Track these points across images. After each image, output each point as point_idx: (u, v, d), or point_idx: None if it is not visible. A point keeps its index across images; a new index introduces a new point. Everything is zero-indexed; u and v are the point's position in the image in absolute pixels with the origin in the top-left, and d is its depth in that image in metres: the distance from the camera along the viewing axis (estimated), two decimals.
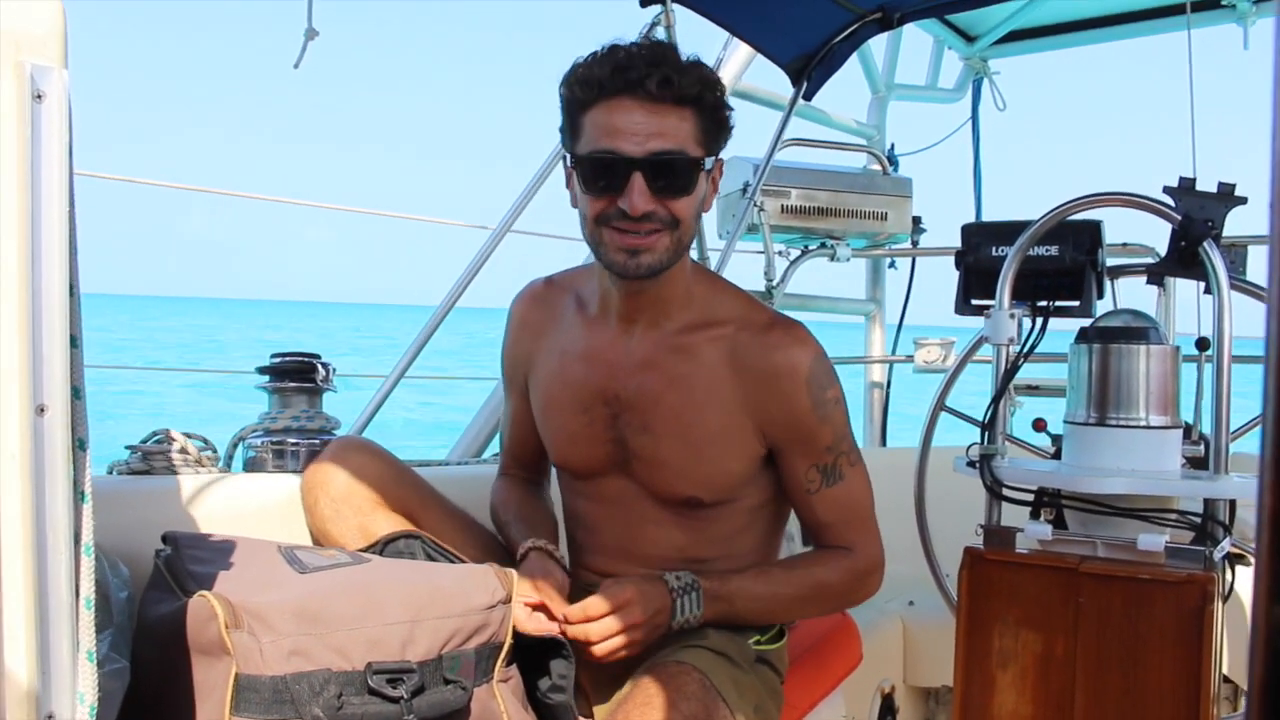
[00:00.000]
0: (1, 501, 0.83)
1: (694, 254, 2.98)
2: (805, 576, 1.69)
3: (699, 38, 2.95)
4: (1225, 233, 1.66)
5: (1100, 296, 1.88)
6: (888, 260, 3.78)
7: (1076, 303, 1.84)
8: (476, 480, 2.05)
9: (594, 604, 1.51)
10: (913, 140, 3.87)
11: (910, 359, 3.56)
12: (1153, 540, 1.60)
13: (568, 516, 1.83)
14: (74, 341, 0.88)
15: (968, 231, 1.99)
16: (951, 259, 2.01)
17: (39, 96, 0.85)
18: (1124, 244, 2.90)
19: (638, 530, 1.71)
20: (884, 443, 3.77)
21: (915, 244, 3.66)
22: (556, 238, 3.34)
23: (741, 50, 3.04)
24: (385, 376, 2.44)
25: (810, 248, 3.49)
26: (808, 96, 3.04)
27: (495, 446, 2.48)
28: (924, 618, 2.73)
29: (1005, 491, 1.75)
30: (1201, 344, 1.75)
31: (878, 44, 3.66)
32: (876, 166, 3.63)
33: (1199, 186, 1.68)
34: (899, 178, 3.59)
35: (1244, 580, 1.95)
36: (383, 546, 1.62)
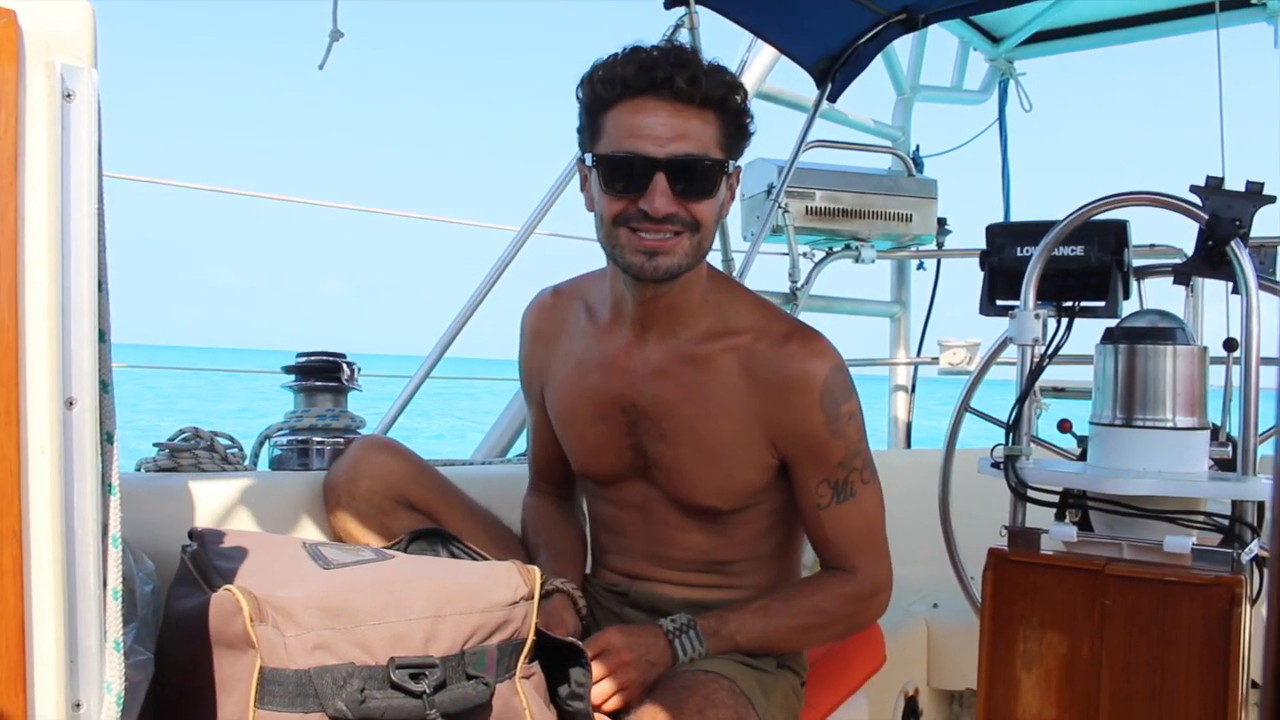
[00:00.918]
0: (31, 493, 0.85)
1: (718, 256, 3.00)
2: (806, 606, 1.66)
3: (723, 40, 2.95)
4: (1254, 232, 1.65)
5: (1126, 297, 1.87)
6: (914, 262, 3.77)
7: (1102, 303, 1.83)
8: (500, 480, 2.06)
9: None
10: (938, 142, 3.86)
11: (935, 361, 3.55)
12: (1179, 542, 1.58)
13: (592, 520, 1.83)
14: (102, 336, 0.90)
15: (992, 232, 1.98)
16: (976, 261, 2.00)
17: (69, 96, 0.86)
18: (1150, 245, 2.88)
19: (661, 534, 1.70)
20: (908, 444, 3.75)
21: (940, 246, 3.65)
22: (582, 239, 3.34)
23: (766, 52, 3.04)
24: (410, 377, 2.46)
25: (835, 249, 3.49)
26: (832, 98, 3.03)
27: (519, 447, 2.49)
28: (948, 620, 2.71)
29: (1030, 493, 1.73)
30: (1229, 344, 1.73)
31: (903, 45, 3.66)
32: (901, 168, 3.62)
33: (1227, 185, 1.66)
34: (924, 179, 3.58)
35: None
36: (406, 544, 1.63)
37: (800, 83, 3.11)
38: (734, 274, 2.98)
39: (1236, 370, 1.67)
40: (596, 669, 1.50)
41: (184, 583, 1.40)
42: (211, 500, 1.74)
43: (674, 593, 1.71)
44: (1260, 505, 1.64)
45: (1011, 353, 1.93)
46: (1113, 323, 1.77)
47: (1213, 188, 1.66)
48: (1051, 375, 2.03)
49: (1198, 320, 2.40)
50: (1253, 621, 1.62)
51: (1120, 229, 1.83)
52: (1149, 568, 1.61)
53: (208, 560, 1.37)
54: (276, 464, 1.98)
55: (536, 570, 1.36)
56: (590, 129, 1.55)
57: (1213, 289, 2.30)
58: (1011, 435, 1.77)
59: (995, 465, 1.77)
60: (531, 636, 1.34)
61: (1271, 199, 1.64)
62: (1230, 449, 1.79)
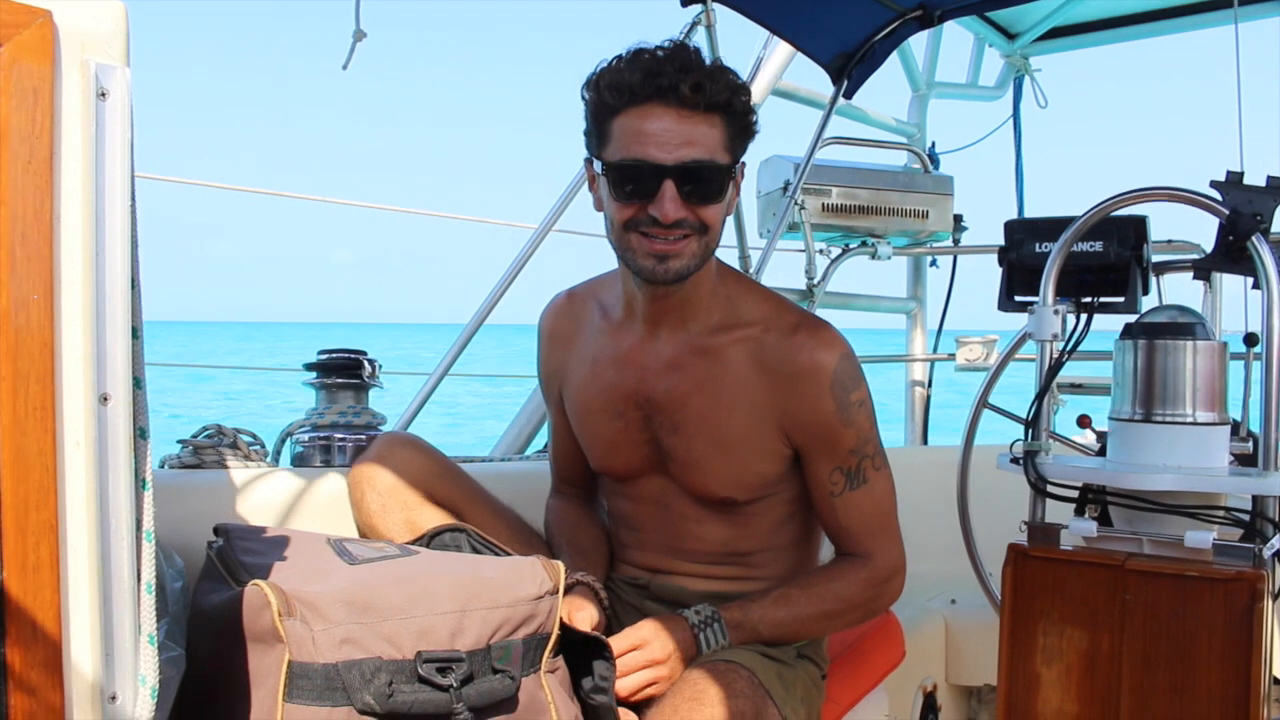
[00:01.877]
0: (67, 488, 0.86)
1: (734, 253, 3.00)
2: (825, 593, 1.68)
3: (740, 37, 2.95)
4: (1275, 228, 1.64)
5: (1145, 292, 1.87)
6: (930, 259, 3.76)
7: (1121, 299, 1.83)
8: (520, 476, 2.07)
9: (615, 644, 1.50)
10: (954, 138, 3.86)
11: (952, 357, 3.55)
12: (1200, 537, 1.58)
13: (612, 517, 1.84)
14: (135, 333, 0.91)
15: (1011, 227, 1.98)
16: (993, 258, 2.00)
17: (103, 94, 0.87)
18: (1169, 241, 2.87)
19: (680, 528, 1.72)
20: (925, 441, 3.75)
21: (957, 242, 3.64)
22: (599, 236, 3.35)
23: (782, 49, 3.04)
24: (429, 374, 2.47)
25: (851, 246, 3.49)
26: (848, 95, 3.04)
27: (538, 443, 2.50)
28: (966, 616, 2.71)
29: (1050, 488, 1.73)
30: (1250, 340, 1.73)
31: (918, 42, 3.65)
32: (917, 165, 3.62)
33: (1247, 181, 1.66)
34: (940, 176, 3.57)
35: None
36: (429, 540, 1.64)
37: (816, 80, 3.12)
38: (750, 271, 2.99)
39: (1257, 366, 1.67)
40: (635, 660, 1.52)
41: (210, 578, 1.41)
42: (236, 496, 1.76)
43: (694, 585, 1.72)
44: None
45: (1029, 349, 1.93)
46: (1132, 318, 1.77)
47: (1233, 183, 1.66)
48: (1069, 372, 2.03)
49: (1216, 316, 2.40)
50: (1274, 617, 1.61)
51: (1140, 224, 1.83)
52: (1169, 563, 1.61)
53: (234, 556, 1.38)
54: (298, 461, 1.99)
55: (561, 565, 1.37)
56: (597, 134, 1.56)
57: (1231, 284, 2.29)
58: (1031, 430, 1.77)
59: (1014, 460, 1.77)
60: (556, 631, 1.35)
61: None
62: (1251, 444, 1.79)
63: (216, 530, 1.49)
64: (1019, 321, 1.98)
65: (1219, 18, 3.35)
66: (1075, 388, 2.84)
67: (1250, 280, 1.68)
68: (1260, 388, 1.62)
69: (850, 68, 2.95)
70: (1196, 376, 1.66)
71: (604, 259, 1.79)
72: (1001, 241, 1.99)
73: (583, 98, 1.57)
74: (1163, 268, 2.00)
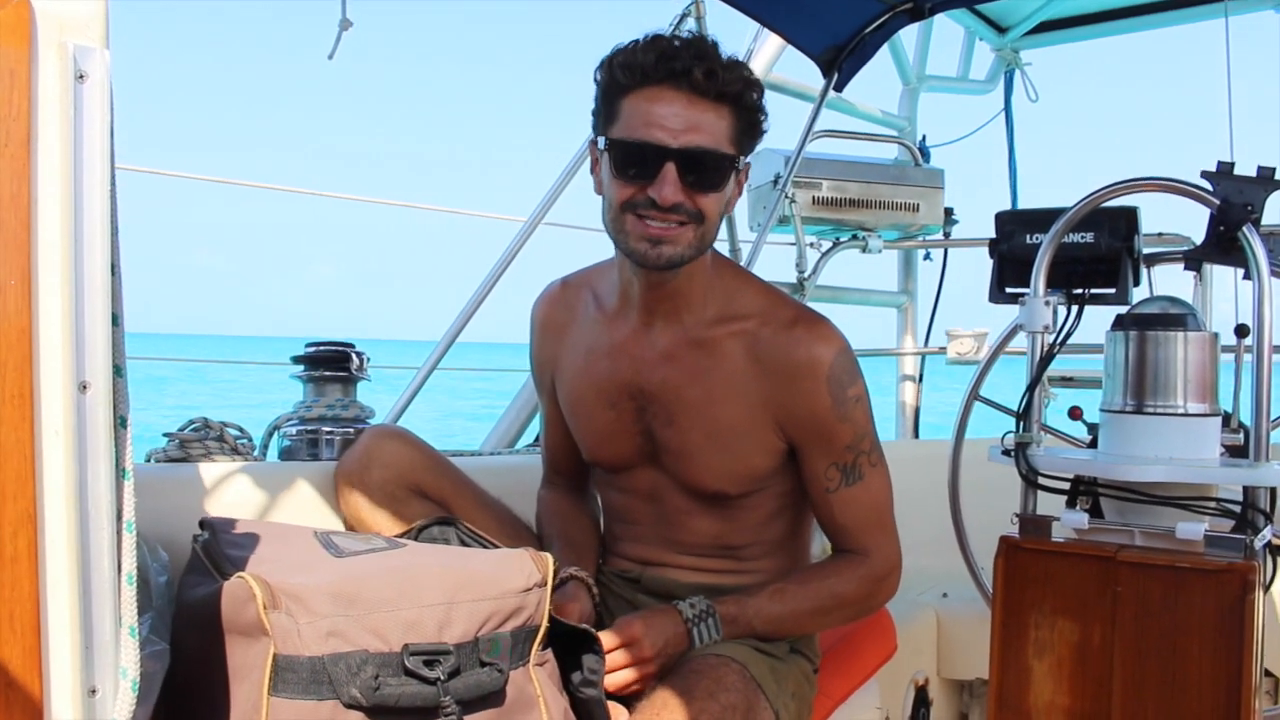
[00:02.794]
0: (45, 477, 0.84)
1: (725, 246, 2.99)
2: (821, 590, 1.67)
3: (730, 29, 2.94)
4: (1265, 218, 1.64)
5: (1137, 284, 1.86)
6: (921, 252, 3.76)
7: (1112, 290, 1.82)
8: (509, 470, 2.06)
9: (604, 639, 1.50)
10: (944, 132, 3.85)
11: (942, 350, 3.54)
12: (1191, 529, 1.58)
13: (605, 509, 1.84)
14: (115, 320, 0.89)
15: (1002, 219, 1.97)
16: (984, 251, 1.99)
17: (81, 77, 0.86)
18: (1159, 233, 2.87)
19: (672, 520, 1.71)
20: (916, 434, 3.75)
21: (947, 235, 3.64)
22: (589, 229, 3.34)
23: (772, 41, 3.03)
24: (418, 368, 2.46)
25: (842, 239, 3.48)
26: (839, 88, 3.03)
27: (528, 437, 2.49)
28: (958, 610, 2.71)
29: (1041, 480, 1.73)
30: (1241, 331, 1.72)
31: (909, 35, 3.65)
32: (908, 158, 3.61)
33: (1238, 171, 1.66)
34: (931, 169, 3.57)
35: None
36: (417, 533, 1.63)
37: (807, 72, 3.11)
38: (741, 264, 2.98)
39: (1248, 357, 1.67)
40: (620, 658, 1.51)
41: (195, 571, 1.39)
42: (222, 490, 1.74)
43: (686, 578, 1.71)
44: (1273, 491, 1.63)
45: (1020, 341, 1.93)
46: (1123, 309, 1.76)
47: (1224, 173, 1.66)
48: (1060, 365, 2.03)
49: (1207, 307, 2.40)
50: (1265, 608, 1.61)
51: (1131, 215, 1.82)
52: (1161, 554, 1.61)
53: (219, 549, 1.37)
54: (286, 454, 1.98)
55: (550, 557, 1.36)
56: (605, 113, 1.56)
57: (1221, 275, 2.29)
58: (1022, 423, 1.76)
59: (1006, 453, 1.77)
60: (545, 623, 1.33)
61: None
62: (1242, 435, 1.79)
63: (202, 524, 1.48)
64: (1010, 314, 1.98)
65: (1210, 10, 3.35)
66: (1066, 381, 2.84)
67: (1241, 271, 1.68)
68: (1251, 379, 1.62)
69: (841, 60, 2.94)
70: (1188, 367, 1.65)
71: (596, 255, 1.78)
72: (992, 234, 1.98)
73: (595, 79, 1.57)
74: (1154, 259, 2.00)
